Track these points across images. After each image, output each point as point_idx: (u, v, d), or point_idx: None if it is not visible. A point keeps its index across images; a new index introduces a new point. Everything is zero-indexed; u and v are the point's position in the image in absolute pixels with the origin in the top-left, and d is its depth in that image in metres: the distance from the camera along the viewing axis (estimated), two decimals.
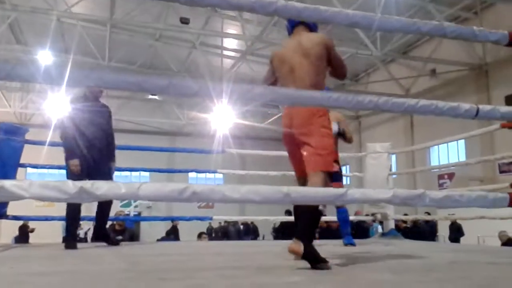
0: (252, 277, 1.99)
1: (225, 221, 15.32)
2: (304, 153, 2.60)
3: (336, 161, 4.39)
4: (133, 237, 10.57)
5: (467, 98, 14.84)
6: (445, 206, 1.24)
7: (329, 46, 2.75)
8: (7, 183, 1.19)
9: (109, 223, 8.80)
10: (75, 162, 3.63)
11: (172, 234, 10.11)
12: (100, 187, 1.22)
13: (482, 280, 1.70)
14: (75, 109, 3.75)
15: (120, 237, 6.52)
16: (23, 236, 12.09)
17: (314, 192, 1.32)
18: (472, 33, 1.49)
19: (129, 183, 1.34)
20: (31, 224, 12.43)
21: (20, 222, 11.44)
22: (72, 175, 3.56)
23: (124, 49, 17.21)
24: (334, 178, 4.18)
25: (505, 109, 1.44)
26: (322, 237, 7.08)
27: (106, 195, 1.22)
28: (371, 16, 1.73)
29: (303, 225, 2.43)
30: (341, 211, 4.46)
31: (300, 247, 2.29)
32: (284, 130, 2.71)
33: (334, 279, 1.93)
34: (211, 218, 5.94)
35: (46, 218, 4.73)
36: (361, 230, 10.45)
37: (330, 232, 8.42)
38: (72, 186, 1.20)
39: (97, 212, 3.96)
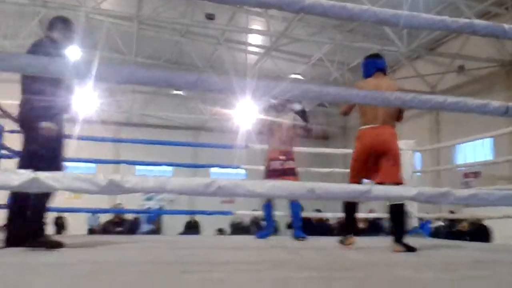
0: (272, 271, 2.03)
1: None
2: (386, 166, 3.48)
3: (289, 159, 4.60)
4: (156, 230, 10.80)
5: (496, 95, 14.50)
6: (472, 204, 1.24)
7: None
8: (42, 175, 1.24)
9: (108, 216, 9.00)
10: None
11: (193, 228, 10.22)
12: (129, 180, 1.26)
13: (504, 279, 1.69)
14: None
15: (119, 229, 6.77)
16: (57, 226, 12.74)
17: (339, 188, 1.34)
18: (502, 30, 1.48)
19: (156, 177, 1.39)
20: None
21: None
22: None
23: (151, 45, 17.43)
24: (286, 173, 4.44)
25: None
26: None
27: (134, 188, 1.26)
28: (398, 13, 1.74)
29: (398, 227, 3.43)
30: (295, 205, 4.66)
31: (400, 247, 3.29)
32: (368, 143, 3.55)
33: (354, 276, 1.95)
34: (232, 213, 6.01)
35: (73, 210, 4.87)
36: (375, 227, 10.43)
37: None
38: (103, 178, 1.24)
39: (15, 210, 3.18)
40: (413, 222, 5.71)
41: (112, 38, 16.22)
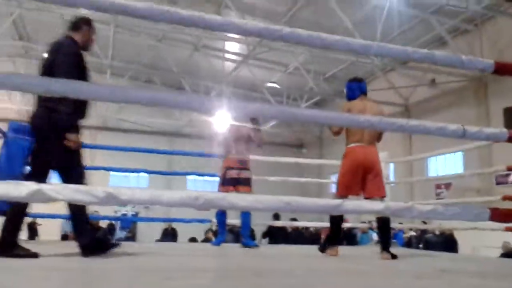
0: (251, 279, 2.09)
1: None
2: (373, 181, 3.84)
3: (245, 168, 4.73)
4: (131, 237, 10.73)
5: (466, 108, 14.98)
6: (431, 218, 1.33)
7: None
8: (45, 187, 1.28)
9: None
10: None
11: (170, 236, 10.17)
12: (125, 193, 1.31)
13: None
14: None
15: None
16: (32, 232, 12.61)
17: (312, 202, 1.42)
18: (460, 61, 1.60)
19: (151, 190, 1.44)
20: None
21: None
22: None
23: (127, 49, 17.34)
24: (241, 182, 4.58)
25: (489, 130, 1.55)
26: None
27: (131, 200, 1.32)
28: (369, 44, 1.86)
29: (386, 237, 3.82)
30: (245, 215, 4.78)
31: (387, 255, 3.65)
32: (360, 160, 3.88)
33: (329, 281, 2.04)
34: (209, 221, 6.02)
35: (52, 216, 4.83)
36: (349, 238, 10.68)
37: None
38: (101, 191, 1.29)
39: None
40: None
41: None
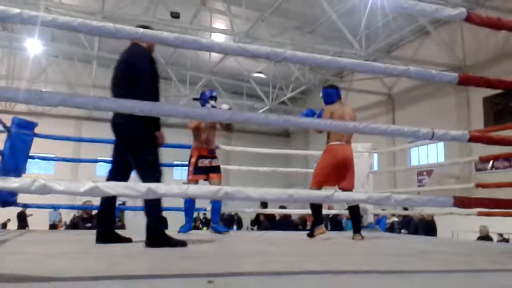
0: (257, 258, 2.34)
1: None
2: (348, 176, 4.38)
3: (215, 156, 4.94)
4: (121, 226, 10.91)
5: (446, 98, 15.42)
6: (407, 205, 1.56)
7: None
8: (101, 184, 1.47)
9: (76, 212, 9.20)
10: None
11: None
12: (161, 188, 1.53)
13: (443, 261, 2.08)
14: None
15: (89, 225, 6.92)
16: (22, 221, 12.78)
17: (310, 193, 1.67)
18: (430, 75, 1.85)
19: (179, 185, 1.65)
20: (30, 211, 13.01)
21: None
22: None
23: (113, 40, 17.31)
24: (214, 170, 4.79)
25: (454, 133, 1.82)
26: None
27: (166, 193, 1.53)
28: (356, 63, 2.11)
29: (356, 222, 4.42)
30: (216, 203, 5.00)
31: (359, 236, 4.24)
32: (339, 156, 4.38)
33: (320, 259, 2.30)
34: (205, 209, 6.19)
35: (53, 206, 5.00)
36: (335, 223, 11.09)
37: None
38: (143, 186, 1.51)
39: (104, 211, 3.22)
40: (369, 218, 6.16)
41: (73, 32, 16.03)
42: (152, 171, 2.95)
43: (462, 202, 1.74)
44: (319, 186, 4.43)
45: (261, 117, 1.59)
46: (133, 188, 1.46)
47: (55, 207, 5.39)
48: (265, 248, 3.30)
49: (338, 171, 4.39)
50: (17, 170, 3.99)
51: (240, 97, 23.45)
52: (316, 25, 17.10)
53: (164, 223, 3.07)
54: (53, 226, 13.51)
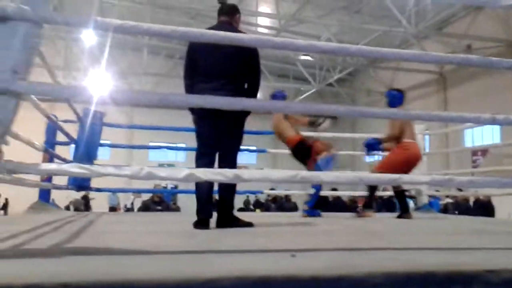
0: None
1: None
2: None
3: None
4: (175, 209, 11.41)
5: (501, 75, 14.80)
6: (470, 187, 1.62)
7: None
8: (196, 171, 1.63)
9: (149, 195, 9.64)
10: None
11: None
12: (246, 173, 1.68)
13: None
14: None
15: (159, 207, 7.29)
16: (86, 204, 13.70)
17: (377, 177, 1.79)
18: (489, 62, 1.88)
19: (261, 170, 1.79)
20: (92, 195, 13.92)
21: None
22: None
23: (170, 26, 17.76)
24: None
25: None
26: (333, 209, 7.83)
27: (251, 178, 1.69)
28: (417, 53, 2.16)
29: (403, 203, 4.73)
30: (317, 186, 4.98)
31: (409, 215, 4.56)
32: (419, 155, 4.65)
33: (384, 238, 2.42)
34: (262, 192, 6.42)
35: (123, 190, 5.33)
36: (389, 205, 11.05)
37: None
38: (230, 172, 1.67)
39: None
40: (424, 199, 6.16)
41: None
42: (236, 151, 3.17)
43: None
44: None
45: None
46: (223, 174, 1.63)
47: (125, 191, 5.74)
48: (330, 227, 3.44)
49: (409, 169, 4.52)
50: (90, 157, 4.33)
51: (286, 80, 23.44)
52: (363, 4, 16.79)
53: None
54: (113, 209, 14.28)
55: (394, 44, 19.55)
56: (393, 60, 17.77)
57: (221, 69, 3.04)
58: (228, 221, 3.02)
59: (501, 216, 9.95)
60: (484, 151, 15.84)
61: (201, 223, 2.93)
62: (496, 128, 15.57)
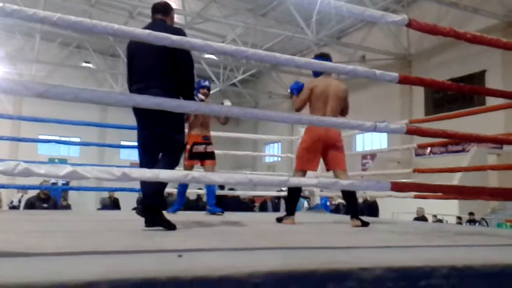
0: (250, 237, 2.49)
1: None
2: (334, 156, 4.00)
3: (210, 142, 5.09)
4: (65, 206, 10.75)
5: (391, 85, 16.07)
6: (351, 189, 1.76)
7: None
8: (79, 168, 1.53)
9: (35, 191, 8.96)
10: None
11: (111, 205, 10.22)
12: (134, 172, 1.61)
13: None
14: None
15: (45, 205, 6.82)
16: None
17: (267, 178, 1.83)
18: (373, 74, 2.06)
19: (151, 170, 1.72)
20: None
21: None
22: None
23: (58, 13, 16.64)
24: (208, 156, 4.94)
25: (393, 126, 2.05)
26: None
27: (139, 177, 1.62)
28: (312, 62, 2.28)
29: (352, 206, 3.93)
30: (210, 186, 5.14)
31: (358, 222, 3.72)
32: (321, 135, 3.94)
33: (271, 238, 2.50)
34: None
35: (4, 186, 4.88)
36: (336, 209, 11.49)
37: None
38: (117, 171, 1.59)
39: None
40: (316, 200, 6.48)
41: (15, 2, 15.26)
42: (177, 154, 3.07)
43: (398, 186, 1.98)
44: (301, 170, 4.06)
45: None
46: (109, 172, 1.56)
47: (5, 187, 5.26)
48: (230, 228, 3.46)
49: (320, 152, 4.01)
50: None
51: None
52: (269, 8, 17.22)
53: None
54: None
55: (298, 49, 20.30)
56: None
57: (148, 68, 2.99)
58: (152, 220, 2.90)
59: (385, 216, 10.81)
60: (373, 155, 17.15)
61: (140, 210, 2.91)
62: (384, 134, 16.94)
